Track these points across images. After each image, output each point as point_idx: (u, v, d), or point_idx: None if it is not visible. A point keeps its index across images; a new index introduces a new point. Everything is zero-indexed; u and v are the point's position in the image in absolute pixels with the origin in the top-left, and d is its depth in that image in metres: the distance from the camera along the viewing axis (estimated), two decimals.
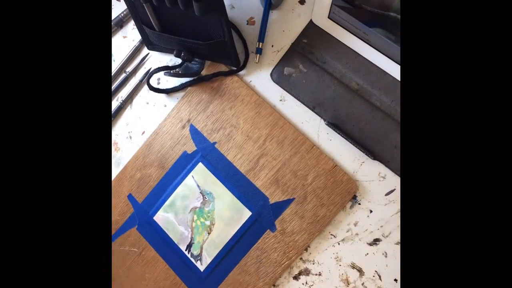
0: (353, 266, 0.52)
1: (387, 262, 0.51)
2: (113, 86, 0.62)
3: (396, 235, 0.51)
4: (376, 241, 0.52)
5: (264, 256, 0.53)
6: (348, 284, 0.52)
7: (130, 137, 0.61)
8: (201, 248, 0.55)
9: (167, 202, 0.57)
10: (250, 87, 0.56)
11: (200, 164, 0.56)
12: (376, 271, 0.51)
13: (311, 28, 0.55)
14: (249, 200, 0.54)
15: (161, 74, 0.60)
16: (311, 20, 0.55)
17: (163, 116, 0.60)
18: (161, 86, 0.60)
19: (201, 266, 0.55)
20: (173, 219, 0.56)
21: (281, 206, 0.53)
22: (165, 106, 0.60)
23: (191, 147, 0.57)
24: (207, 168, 0.56)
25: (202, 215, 0.55)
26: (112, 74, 0.62)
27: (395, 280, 0.51)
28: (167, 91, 0.59)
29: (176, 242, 0.56)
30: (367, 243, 0.52)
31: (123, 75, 0.62)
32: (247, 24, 0.58)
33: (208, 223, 0.55)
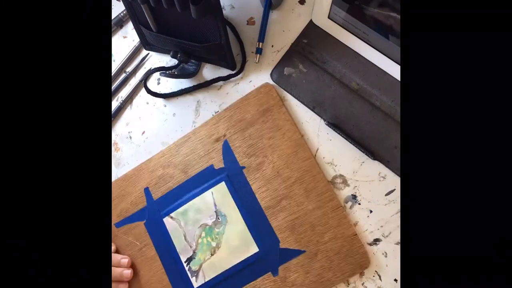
0: None
1: (387, 262, 0.51)
2: (113, 86, 0.62)
3: (396, 235, 0.51)
4: (376, 241, 0.52)
5: None
6: (348, 284, 0.52)
7: (130, 137, 0.61)
8: (201, 266, 0.54)
9: (181, 209, 0.56)
10: (295, 124, 0.54)
11: (223, 183, 0.55)
12: (376, 271, 0.51)
13: (311, 28, 0.55)
14: (260, 236, 0.53)
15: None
16: (311, 20, 0.55)
17: (163, 116, 0.60)
18: (161, 87, 0.60)
19: (196, 283, 0.54)
20: (182, 228, 0.55)
21: (290, 254, 0.52)
22: (165, 106, 0.60)
23: (218, 163, 0.55)
24: (229, 189, 0.54)
25: (210, 235, 0.54)
26: (112, 74, 0.62)
27: (395, 280, 0.51)
28: (165, 96, 0.59)
29: (178, 251, 0.55)
30: (367, 243, 0.52)
31: (123, 75, 0.62)
32: (247, 24, 0.58)
33: (214, 244, 0.54)
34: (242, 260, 0.53)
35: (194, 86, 0.58)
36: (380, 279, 0.51)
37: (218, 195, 0.55)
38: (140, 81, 0.60)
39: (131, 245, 0.57)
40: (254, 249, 0.53)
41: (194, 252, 0.54)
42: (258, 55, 0.56)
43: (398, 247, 0.51)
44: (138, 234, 0.57)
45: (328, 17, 0.52)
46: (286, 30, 0.57)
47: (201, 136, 0.57)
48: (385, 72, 0.53)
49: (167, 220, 0.56)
